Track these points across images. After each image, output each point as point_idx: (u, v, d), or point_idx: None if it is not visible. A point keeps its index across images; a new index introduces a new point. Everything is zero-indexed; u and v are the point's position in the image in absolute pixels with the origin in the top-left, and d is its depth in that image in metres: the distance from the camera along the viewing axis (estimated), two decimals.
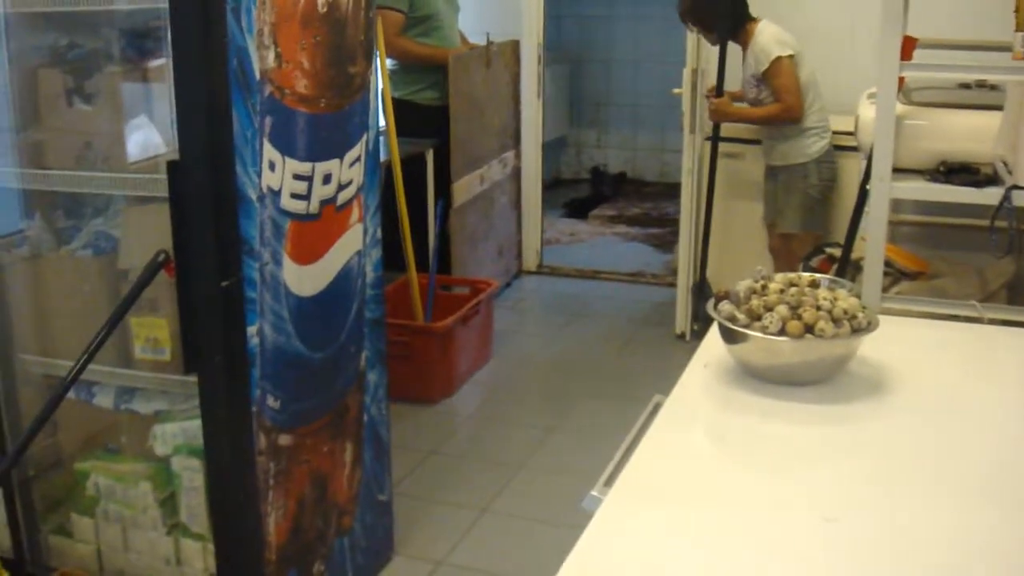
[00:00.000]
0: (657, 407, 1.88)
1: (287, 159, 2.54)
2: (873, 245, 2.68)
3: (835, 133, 4.49)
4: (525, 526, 3.57)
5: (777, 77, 4.35)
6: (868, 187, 2.69)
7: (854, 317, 1.90)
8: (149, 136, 2.76)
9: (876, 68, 2.63)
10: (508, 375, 4.93)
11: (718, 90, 4.65)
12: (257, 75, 2.39)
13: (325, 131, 2.68)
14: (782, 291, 1.95)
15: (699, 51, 4.84)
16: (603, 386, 4.73)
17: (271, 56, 2.43)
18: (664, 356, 5.00)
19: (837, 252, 3.22)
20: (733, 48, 4.58)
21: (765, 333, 1.87)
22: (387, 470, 3.26)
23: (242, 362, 2.48)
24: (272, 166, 2.49)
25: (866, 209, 2.66)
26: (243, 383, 2.49)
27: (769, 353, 1.90)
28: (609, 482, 1.64)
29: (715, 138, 4.74)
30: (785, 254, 4.67)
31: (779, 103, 4.38)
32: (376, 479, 3.17)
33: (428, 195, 5.08)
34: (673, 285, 5.98)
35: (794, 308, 1.89)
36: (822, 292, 1.95)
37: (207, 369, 2.45)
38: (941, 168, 2.80)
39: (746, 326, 1.89)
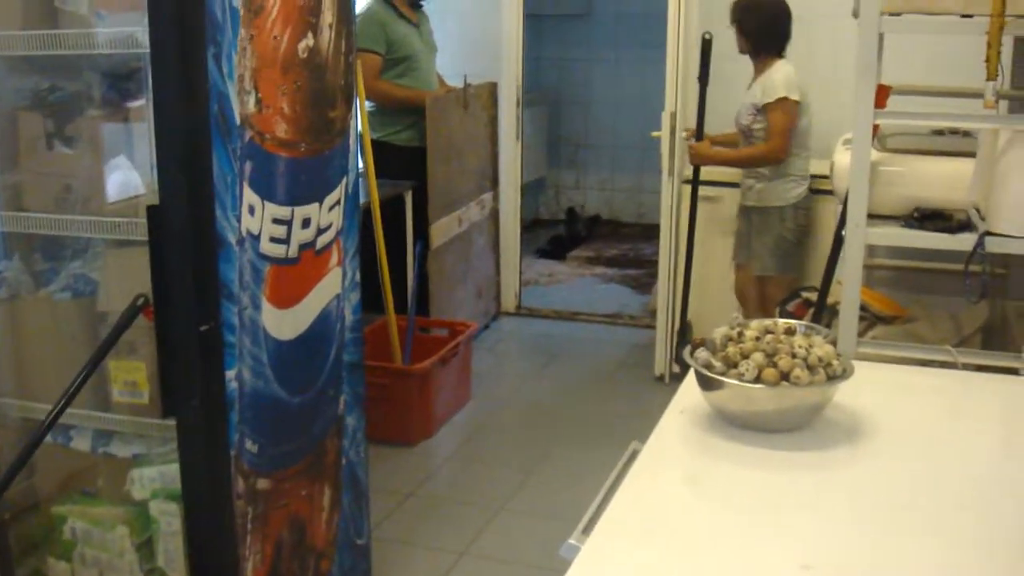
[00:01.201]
0: (635, 454, 1.88)
1: (267, 203, 2.55)
2: (849, 290, 2.71)
3: (812, 177, 4.53)
4: (504, 570, 3.56)
5: (775, 115, 4.34)
6: (844, 232, 2.72)
7: (829, 364, 1.92)
8: (129, 178, 2.77)
9: (851, 115, 2.67)
10: (487, 417, 4.92)
11: (698, 134, 4.68)
12: (237, 120, 2.41)
13: (305, 175, 2.70)
14: (758, 338, 1.97)
15: (678, 94, 4.89)
16: (582, 429, 4.73)
17: (251, 101, 2.45)
18: (643, 399, 5.02)
19: (813, 296, 3.25)
20: (715, 91, 4.61)
21: (741, 380, 1.88)
22: (365, 513, 3.25)
23: (220, 406, 2.48)
24: (252, 210, 2.50)
25: (842, 254, 2.70)
26: (221, 427, 2.49)
27: (745, 400, 1.92)
28: (587, 529, 1.64)
29: (695, 181, 4.77)
30: (757, 297, 4.70)
31: (767, 143, 4.39)
32: (354, 523, 3.16)
33: (407, 236, 5.10)
34: (651, 327, 6.02)
35: (770, 355, 1.91)
36: (798, 339, 1.97)
37: (185, 413, 2.45)
38: (915, 214, 2.84)
39: (722, 373, 1.91)
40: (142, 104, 2.65)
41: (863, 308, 2.98)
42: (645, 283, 6.97)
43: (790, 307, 3.28)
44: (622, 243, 8.12)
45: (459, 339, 4.82)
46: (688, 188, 4.98)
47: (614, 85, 8.35)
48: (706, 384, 1.94)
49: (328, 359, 2.91)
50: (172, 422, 2.49)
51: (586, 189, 8.80)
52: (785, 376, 1.88)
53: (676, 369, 5.13)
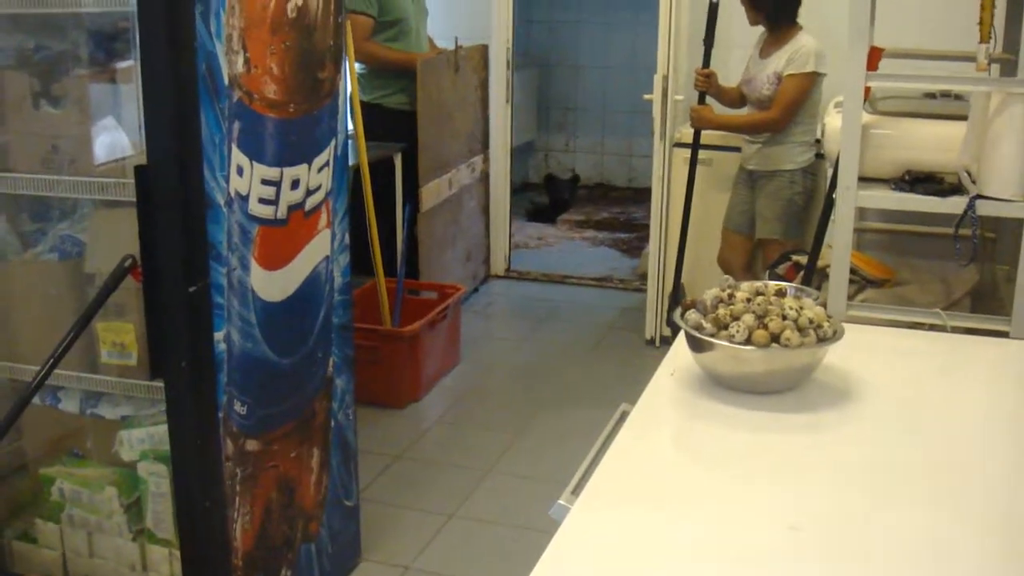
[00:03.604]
0: (624, 415, 1.89)
1: (255, 164, 2.54)
2: (839, 253, 2.71)
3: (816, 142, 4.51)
4: (492, 531, 3.57)
5: (790, 86, 4.31)
6: (834, 196, 2.71)
7: (820, 326, 1.92)
8: (117, 139, 2.75)
9: (843, 78, 2.66)
10: (476, 380, 4.93)
11: (700, 99, 4.64)
12: (226, 80, 2.38)
13: (294, 136, 2.68)
14: (748, 300, 1.96)
15: (670, 57, 4.86)
16: (572, 392, 4.75)
17: (240, 61, 2.42)
18: (633, 362, 5.03)
19: (803, 259, 3.25)
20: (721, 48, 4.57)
21: (731, 342, 1.88)
22: (354, 475, 3.25)
23: (209, 367, 2.47)
24: (240, 171, 2.48)
25: (832, 217, 2.69)
26: (210, 388, 2.48)
27: (735, 362, 1.92)
28: (576, 491, 1.65)
29: (695, 144, 4.74)
30: (746, 264, 4.70)
31: (772, 112, 4.37)
32: (343, 484, 3.16)
33: (396, 199, 5.08)
34: (641, 290, 6.02)
35: (760, 317, 1.91)
36: (788, 301, 1.97)
37: (173, 374, 2.44)
38: (906, 177, 2.83)
39: (712, 335, 1.90)
40: (131, 65, 2.62)
41: (853, 271, 2.98)
42: (635, 247, 6.97)
43: (780, 270, 3.27)
44: (612, 207, 8.11)
45: (448, 301, 4.82)
46: (679, 151, 4.97)
47: (604, 48, 8.31)
48: (696, 346, 1.94)
49: (317, 321, 2.91)
50: (160, 383, 2.48)
51: (576, 152, 8.78)
52: (775, 338, 1.88)
53: (667, 332, 5.14)
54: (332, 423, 3.06)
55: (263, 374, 2.68)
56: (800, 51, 4.31)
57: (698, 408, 1.94)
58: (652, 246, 5.18)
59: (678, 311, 2.03)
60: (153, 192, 2.34)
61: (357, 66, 4.83)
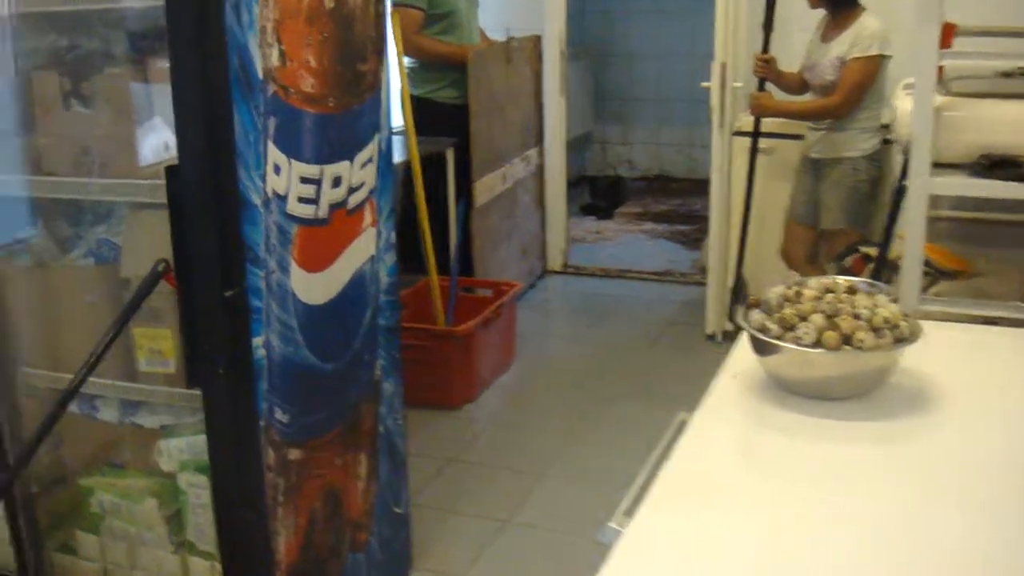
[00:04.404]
0: (683, 425, 1.75)
1: (293, 161, 2.43)
2: (912, 244, 2.55)
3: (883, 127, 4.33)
4: (548, 538, 3.45)
5: (854, 69, 4.13)
6: (905, 183, 2.55)
7: (896, 326, 1.77)
8: (154, 139, 2.65)
9: (913, 57, 2.49)
10: (532, 379, 4.80)
11: (760, 85, 4.47)
12: (260, 74, 2.28)
13: (333, 132, 2.56)
14: (817, 298, 1.81)
15: (727, 44, 4.70)
16: (630, 390, 4.60)
17: (275, 54, 2.32)
18: (694, 358, 4.87)
19: (872, 251, 3.08)
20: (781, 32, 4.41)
21: (799, 345, 1.73)
22: (404, 482, 3.14)
23: (247, 375, 2.37)
24: (277, 169, 2.38)
25: (904, 205, 2.52)
26: (249, 397, 2.38)
27: (803, 366, 1.77)
28: (630, 510, 1.51)
29: (756, 133, 4.56)
30: (810, 255, 4.53)
31: (835, 97, 4.19)
32: (392, 492, 3.05)
33: (448, 195, 4.96)
34: (701, 283, 5.86)
35: (830, 317, 1.76)
36: (860, 299, 1.81)
37: (211, 383, 2.34)
38: (983, 161, 2.65)
39: (778, 337, 1.76)
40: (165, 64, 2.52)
41: (925, 263, 2.81)
42: (695, 239, 6.80)
43: (847, 263, 3.09)
44: (672, 199, 7.95)
45: (503, 299, 4.69)
46: (738, 140, 4.80)
47: (658, 37, 8.13)
48: (761, 348, 1.79)
49: (362, 323, 2.80)
50: (198, 392, 2.38)
51: (633, 144, 8.60)
52: (847, 339, 1.73)
53: (728, 327, 4.98)
54: (380, 428, 2.96)
55: (306, 380, 2.58)
56: (864, 33, 4.13)
57: (762, 415, 1.80)
58: (712, 239, 5.01)
59: (741, 309, 1.88)
60: (185, 193, 2.23)
61: (407, 60, 4.72)
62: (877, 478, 1.62)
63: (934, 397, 1.83)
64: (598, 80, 8.36)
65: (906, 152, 2.58)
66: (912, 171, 2.49)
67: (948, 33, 2.47)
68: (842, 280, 1.89)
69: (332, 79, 2.52)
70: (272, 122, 2.34)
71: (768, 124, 4.59)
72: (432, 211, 4.52)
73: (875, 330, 1.74)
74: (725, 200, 4.91)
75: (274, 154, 2.36)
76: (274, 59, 2.32)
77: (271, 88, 2.32)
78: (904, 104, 2.86)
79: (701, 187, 7.97)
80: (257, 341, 2.37)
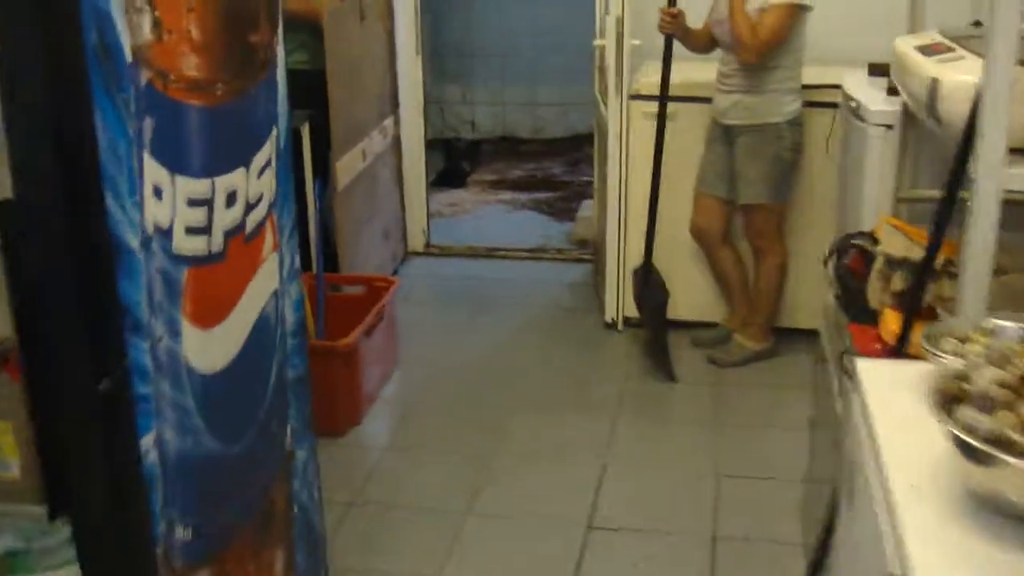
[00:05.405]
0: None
1: (178, 178, 1.70)
2: (978, 249, 2.02)
3: (805, 87, 3.84)
4: None
5: (777, 16, 3.64)
6: (968, 173, 2.01)
7: None
8: None
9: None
10: (421, 388, 4.13)
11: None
12: (128, 55, 1.54)
13: (225, 129, 1.85)
14: None
15: None
16: (536, 393, 4.01)
17: (146, 24, 1.58)
18: (595, 351, 4.31)
19: (868, 245, 2.55)
20: None
21: None
22: (322, 564, 2.47)
23: (136, 491, 1.64)
24: (158, 192, 1.65)
25: (968, 203, 1.99)
26: (140, 523, 1.66)
27: None
28: None
29: (663, 96, 3.94)
30: (725, 232, 4.04)
31: (751, 38, 3.65)
32: None
33: (306, 177, 4.21)
34: (582, 260, 5.31)
35: None
36: None
37: (84, 512, 1.61)
38: None
39: (1004, 445, 1.16)
40: None
41: (949, 262, 2.30)
42: (562, 209, 6.21)
43: (847, 260, 2.56)
44: (523, 162, 7.33)
45: (383, 301, 3.99)
46: (636, 104, 4.21)
47: None
48: (974, 456, 1.20)
49: (269, 383, 2.10)
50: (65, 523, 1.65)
51: (475, 104, 7.93)
52: None
53: (630, 314, 4.40)
54: (294, 510, 2.27)
55: (209, 476, 1.87)
56: None
57: (975, 554, 1.21)
58: (611, 215, 4.41)
59: (852, 363, 1.29)
60: (26, 241, 1.48)
61: None
62: None
63: None
64: (434, 35, 7.62)
65: (965, 137, 2.01)
66: (982, 163, 1.94)
67: None
68: None
69: (220, 56, 1.81)
70: (148, 124, 1.60)
71: (672, 88, 3.99)
72: None
73: None
74: (623, 171, 4.32)
75: (152, 170, 1.63)
76: (146, 31, 1.58)
77: (144, 76, 1.58)
78: (950, 74, 2.27)
79: (553, 149, 7.46)
80: (147, 441, 1.65)
